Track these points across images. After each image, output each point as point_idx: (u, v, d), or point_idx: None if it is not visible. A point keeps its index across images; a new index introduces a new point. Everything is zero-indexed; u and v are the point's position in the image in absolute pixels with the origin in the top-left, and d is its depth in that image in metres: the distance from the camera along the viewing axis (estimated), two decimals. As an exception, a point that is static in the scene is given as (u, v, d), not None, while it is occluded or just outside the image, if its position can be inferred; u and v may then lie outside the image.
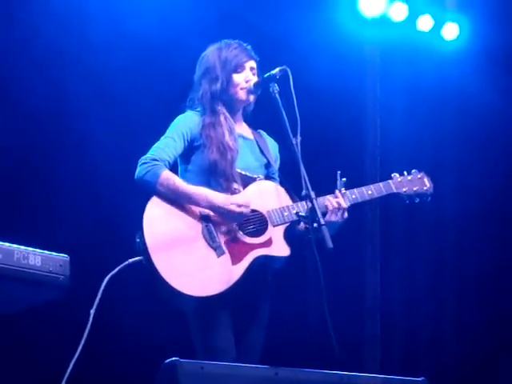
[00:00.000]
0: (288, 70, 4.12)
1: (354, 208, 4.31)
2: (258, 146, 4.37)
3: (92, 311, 3.87)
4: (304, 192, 3.96)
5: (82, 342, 3.81)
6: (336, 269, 5.23)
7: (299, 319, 6.09)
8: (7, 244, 3.27)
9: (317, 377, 3.46)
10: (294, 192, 4.17)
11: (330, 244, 3.78)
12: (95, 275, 4.06)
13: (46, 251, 3.39)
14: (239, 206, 4.04)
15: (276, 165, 4.39)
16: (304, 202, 4.05)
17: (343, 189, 4.23)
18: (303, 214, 4.02)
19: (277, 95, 4.13)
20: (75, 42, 5.77)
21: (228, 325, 4.03)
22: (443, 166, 6.68)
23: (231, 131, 4.25)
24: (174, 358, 3.24)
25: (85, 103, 5.78)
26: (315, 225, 3.87)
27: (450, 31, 6.83)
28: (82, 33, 5.79)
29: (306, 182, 3.94)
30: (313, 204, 3.92)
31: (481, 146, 6.74)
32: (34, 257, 3.33)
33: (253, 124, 4.46)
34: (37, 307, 3.63)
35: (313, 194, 3.95)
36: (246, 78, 4.29)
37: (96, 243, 5.63)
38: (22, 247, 3.32)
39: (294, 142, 4.01)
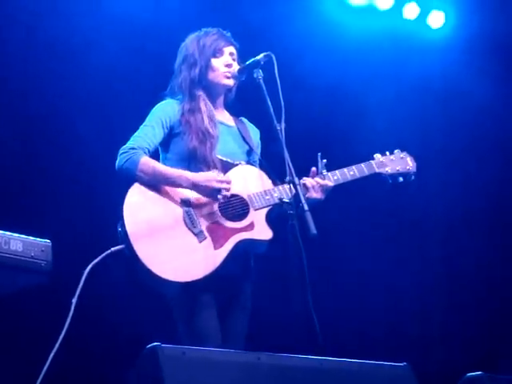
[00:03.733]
0: (272, 55, 4.10)
1: (342, 195, 4.31)
2: (240, 132, 4.35)
3: (74, 300, 3.87)
4: (288, 178, 3.95)
5: (64, 330, 3.80)
6: (320, 254, 5.24)
7: (282, 305, 6.09)
8: (-12, 230, 3.26)
9: (297, 362, 3.46)
10: (279, 178, 4.15)
11: (313, 230, 3.77)
12: (80, 262, 4.05)
13: (27, 236, 3.36)
14: (220, 182, 4.03)
15: (258, 151, 4.39)
16: (285, 186, 4.07)
17: (324, 170, 4.22)
18: (287, 201, 4.01)
19: (261, 81, 4.12)
20: (68, 38, 5.78)
21: (212, 309, 4.03)
22: (430, 155, 6.68)
23: (211, 117, 4.24)
24: (155, 343, 3.23)
25: (75, 98, 5.80)
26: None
27: (436, 19, 6.84)
28: (74, 28, 5.80)
29: (289, 168, 3.94)
30: (296, 190, 3.92)
31: (467, 134, 6.74)
32: (15, 242, 3.32)
33: (237, 110, 4.44)
34: (20, 294, 3.62)
35: (297, 180, 3.95)
36: (225, 63, 4.28)
37: (80, 231, 5.62)
38: (3, 232, 3.30)
39: (278, 128, 3.99)
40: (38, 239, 3.40)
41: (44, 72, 5.71)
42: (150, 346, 3.25)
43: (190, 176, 4.05)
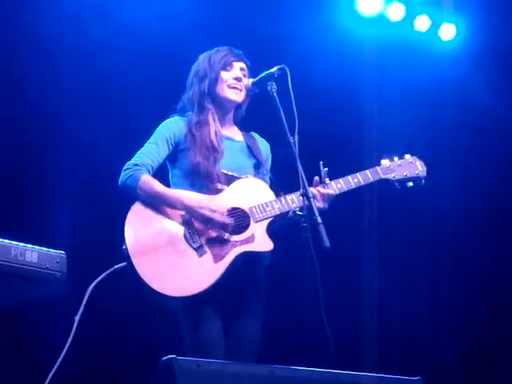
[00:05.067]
0: (286, 68, 4.11)
1: (351, 203, 4.30)
2: (249, 147, 4.36)
3: (77, 317, 3.89)
4: (302, 191, 3.97)
5: (67, 346, 3.82)
6: (333, 267, 5.23)
7: (296, 317, 6.09)
8: (4, 240, 3.27)
9: (313, 375, 3.47)
10: (290, 190, 4.16)
11: (327, 243, 3.77)
12: (91, 276, 4.07)
13: (42, 248, 3.38)
14: (212, 211, 4.04)
15: (267, 165, 4.40)
16: (288, 197, 4.11)
17: (327, 179, 4.21)
18: (300, 213, 4.01)
19: (275, 94, 4.13)
20: (73, 39, 5.78)
21: (214, 322, 4.04)
22: (440, 163, 6.68)
23: (217, 132, 4.25)
24: (170, 356, 3.24)
25: (83, 102, 5.80)
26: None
27: (447, 32, 6.84)
28: (80, 31, 5.80)
29: (303, 181, 3.95)
30: (310, 203, 3.92)
31: (477, 144, 6.74)
32: (30, 253, 3.33)
33: (250, 123, 4.45)
34: (29, 304, 3.63)
35: (310, 193, 3.96)
36: (234, 76, 4.30)
37: (92, 245, 5.63)
38: (19, 244, 3.31)
39: (291, 141, 4.00)
40: (53, 250, 3.41)
41: (48, 74, 5.70)
42: (164, 358, 3.26)
43: (186, 200, 4.06)
